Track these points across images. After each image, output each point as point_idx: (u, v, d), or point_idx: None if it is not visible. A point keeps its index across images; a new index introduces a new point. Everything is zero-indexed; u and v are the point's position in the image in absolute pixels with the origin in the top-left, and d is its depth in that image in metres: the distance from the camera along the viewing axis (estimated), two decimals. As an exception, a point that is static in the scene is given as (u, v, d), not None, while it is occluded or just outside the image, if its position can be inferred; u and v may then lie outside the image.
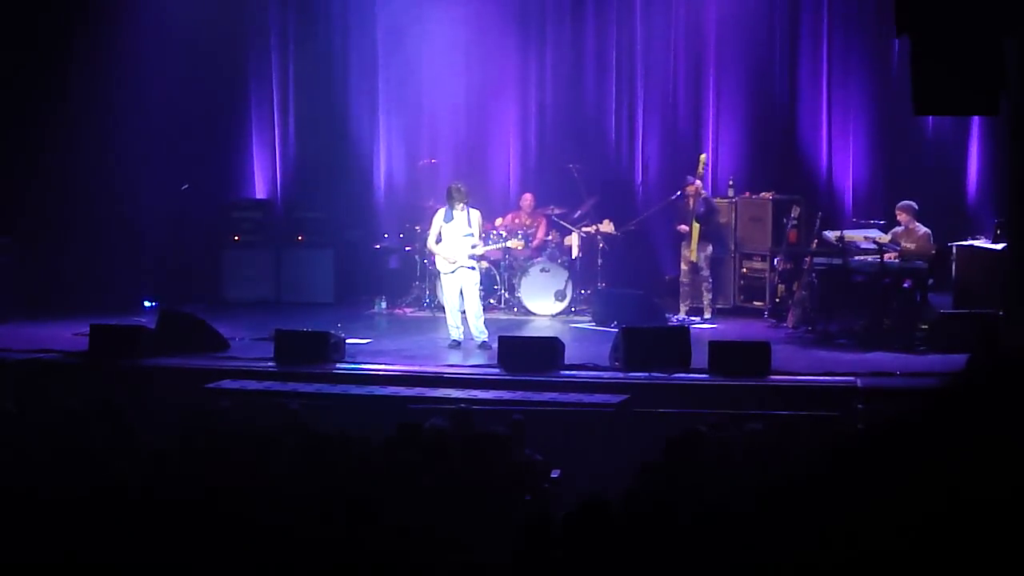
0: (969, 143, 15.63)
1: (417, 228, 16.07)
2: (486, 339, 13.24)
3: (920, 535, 5.77)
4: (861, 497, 6.29)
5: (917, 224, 13.70)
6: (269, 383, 11.78)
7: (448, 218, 13.43)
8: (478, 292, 13.67)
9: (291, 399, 10.44)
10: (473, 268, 13.55)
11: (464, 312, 13.51)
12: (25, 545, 6.06)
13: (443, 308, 15.56)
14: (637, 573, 5.67)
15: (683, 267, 15.26)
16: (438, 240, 13.53)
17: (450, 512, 6.63)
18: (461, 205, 13.41)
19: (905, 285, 13.34)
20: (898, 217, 13.75)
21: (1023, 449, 6.35)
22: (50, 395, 11.11)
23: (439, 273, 14.05)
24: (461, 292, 13.45)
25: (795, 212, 15.18)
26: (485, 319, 13.66)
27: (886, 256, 13.35)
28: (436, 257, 13.66)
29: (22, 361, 12.51)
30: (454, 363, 12.61)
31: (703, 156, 15.49)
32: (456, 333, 13.47)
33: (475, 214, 13.54)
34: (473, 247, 13.52)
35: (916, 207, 13.77)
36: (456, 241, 13.42)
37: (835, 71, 16.11)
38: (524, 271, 15.50)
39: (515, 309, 15.46)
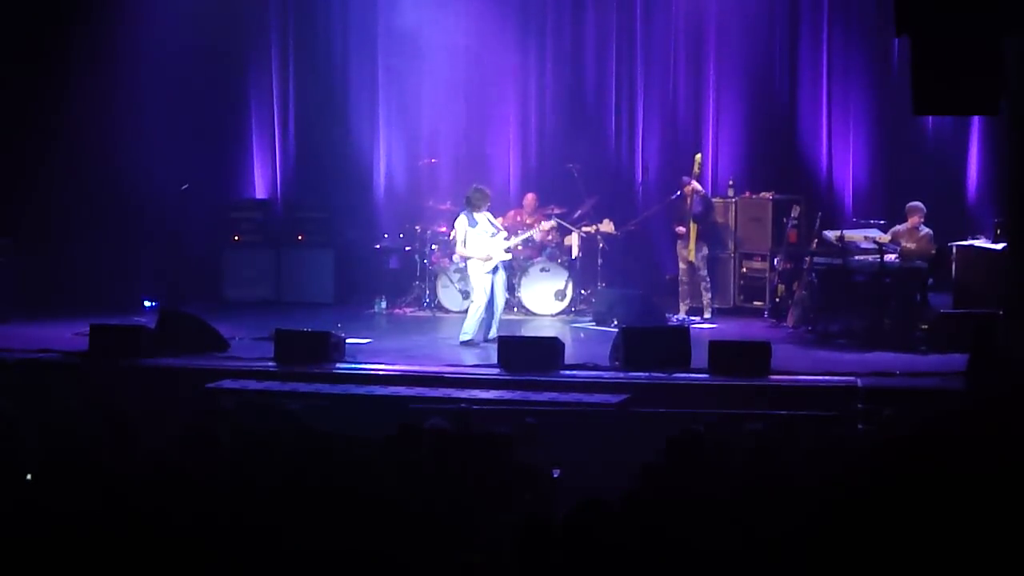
0: (969, 143, 15.63)
1: (417, 228, 16.10)
2: None
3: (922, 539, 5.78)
4: (859, 501, 6.30)
5: (923, 225, 13.71)
6: (269, 383, 11.77)
7: (472, 223, 13.60)
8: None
9: (291, 400, 10.44)
10: (505, 263, 13.86)
11: (487, 311, 13.57)
12: (24, 544, 6.06)
13: (443, 308, 15.64)
14: (637, 573, 5.67)
15: (681, 267, 15.30)
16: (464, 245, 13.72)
17: (450, 512, 6.63)
18: (484, 207, 13.64)
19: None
20: (908, 218, 13.73)
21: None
22: (50, 395, 11.11)
23: (459, 273, 14.61)
24: (493, 290, 13.56)
25: (795, 212, 15.19)
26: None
27: (886, 256, 13.35)
28: (471, 260, 13.67)
29: (22, 361, 12.49)
30: (454, 363, 12.60)
31: (698, 156, 15.50)
32: (472, 331, 13.48)
33: (488, 215, 13.77)
34: (506, 239, 13.85)
35: (925, 209, 13.78)
36: (487, 242, 13.60)
37: (835, 71, 16.11)
38: (524, 271, 15.51)
39: (515, 309, 15.47)
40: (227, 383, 11.71)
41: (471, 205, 13.65)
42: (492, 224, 13.76)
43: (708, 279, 15.27)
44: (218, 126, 17.25)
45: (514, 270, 15.52)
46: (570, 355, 12.35)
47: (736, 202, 15.88)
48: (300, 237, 16.99)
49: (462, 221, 13.68)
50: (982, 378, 10.50)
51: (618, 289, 15.33)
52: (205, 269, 16.83)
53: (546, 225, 15.06)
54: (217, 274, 16.86)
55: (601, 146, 16.92)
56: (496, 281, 13.66)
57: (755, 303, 15.64)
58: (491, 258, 13.57)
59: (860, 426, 10.10)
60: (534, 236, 15.23)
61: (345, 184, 17.20)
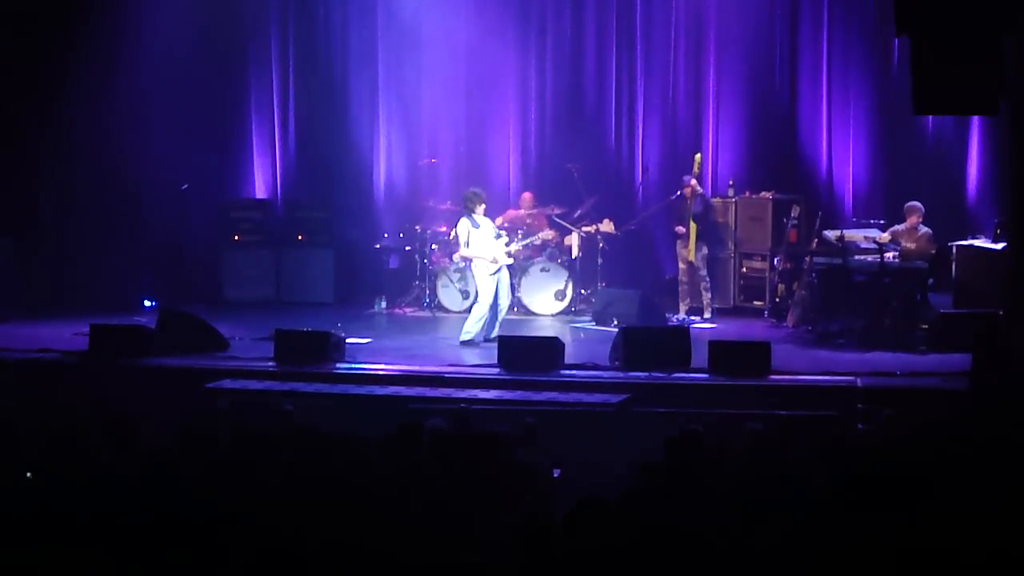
0: (969, 143, 15.61)
1: (417, 228, 16.10)
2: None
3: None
4: (859, 500, 6.30)
5: (921, 225, 13.71)
6: (269, 383, 11.78)
7: (475, 225, 13.68)
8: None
9: (286, 400, 10.44)
10: (508, 266, 13.96)
11: (491, 311, 13.61)
12: (25, 545, 6.06)
13: (443, 308, 15.66)
14: (637, 573, 5.67)
15: (681, 267, 15.31)
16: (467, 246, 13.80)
17: (450, 512, 6.63)
18: (481, 209, 13.70)
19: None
20: (907, 218, 13.74)
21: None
22: (50, 395, 11.12)
23: (459, 273, 14.88)
24: (497, 291, 13.61)
25: (795, 212, 15.18)
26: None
27: (886, 256, 13.35)
28: (477, 261, 13.73)
29: (22, 361, 12.51)
30: (454, 363, 12.60)
31: (698, 155, 15.49)
32: (475, 331, 13.50)
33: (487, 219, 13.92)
34: (508, 244, 13.99)
35: (923, 209, 13.79)
36: (492, 243, 13.66)
37: (835, 71, 16.09)
38: (524, 271, 15.51)
39: (515, 309, 15.45)
40: (227, 383, 11.72)
41: (469, 207, 13.71)
42: (493, 227, 13.86)
43: (708, 279, 15.27)
44: (218, 126, 17.24)
45: (514, 270, 15.50)
46: (570, 355, 12.35)
47: (736, 202, 15.87)
48: (300, 237, 16.98)
49: (464, 224, 13.72)
50: (986, 378, 10.50)
51: (618, 289, 15.33)
52: (205, 269, 16.82)
53: (548, 234, 15.18)
54: (217, 274, 16.85)
55: (601, 146, 16.91)
56: (501, 282, 13.70)
57: (755, 303, 15.63)
58: (496, 261, 13.62)
59: (860, 426, 10.10)
60: (534, 242, 15.29)
61: (345, 184, 17.20)
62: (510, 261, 14.03)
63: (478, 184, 15.28)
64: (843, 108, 16.10)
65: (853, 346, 13.14)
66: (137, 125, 16.28)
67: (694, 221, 15.08)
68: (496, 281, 13.66)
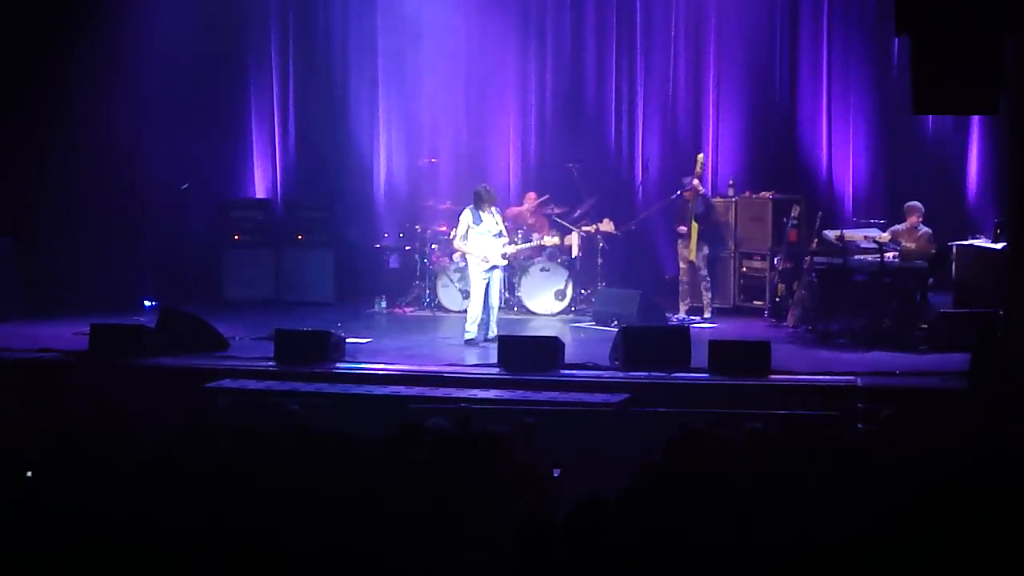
0: (969, 143, 15.63)
1: (417, 228, 16.11)
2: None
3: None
4: (858, 500, 6.30)
5: (921, 224, 13.72)
6: (269, 382, 11.78)
7: (477, 220, 13.65)
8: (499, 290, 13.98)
9: (290, 400, 10.44)
10: (502, 267, 13.93)
11: (485, 312, 13.61)
12: (25, 545, 6.06)
13: (443, 308, 15.67)
14: (637, 573, 5.67)
15: (681, 266, 15.30)
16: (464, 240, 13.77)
17: (450, 512, 6.62)
18: (488, 206, 13.65)
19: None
20: (907, 218, 13.74)
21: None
22: (50, 395, 11.11)
23: (459, 272, 14.79)
24: (487, 290, 13.58)
25: (795, 212, 15.19)
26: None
27: (886, 256, 13.35)
28: (469, 256, 13.74)
29: (22, 361, 12.51)
30: (454, 363, 12.60)
31: (700, 156, 15.49)
32: (475, 330, 13.51)
33: (496, 214, 13.86)
34: (506, 245, 13.95)
35: (923, 209, 13.80)
36: (488, 242, 13.63)
37: (835, 71, 16.11)
38: (524, 270, 15.52)
39: (515, 308, 15.48)
40: (227, 383, 11.72)
41: (478, 203, 13.68)
42: (497, 225, 13.80)
43: (708, 279, 15.27)
44: (218, 126, 17.26)
45: (514, 270, 15.53)
46: (570, 355, 12.35)
47: (736, 201, 15.88)
48: (300, 237, 17.00)
49: (467, 216, 13.71)
50: (986, 378, 10.50)
51: (618, 289, 15.33)
52: (205, 269, 16.83)
53: (549, 240, 15.17)
54: (217, 274, 16.86)
55: (601, 146, 16.93)
56: (492, 279, 13.69)
57: (755, 303, 15.64)
58: (487, 260, 13.61)
59: (860, 426, 10.10)
60: (545, 243, 15.29)
61: (345, 184, 17.22)
62: (504, 263, 13.99)
63: (478, 183, 15.30)
64: (843, 108, 16.12)
65: (853, 346, 13.15)
66: (137, 125, 16.31)
67: (696, 221, 15.07)
68: (487, 280, 13.64)
